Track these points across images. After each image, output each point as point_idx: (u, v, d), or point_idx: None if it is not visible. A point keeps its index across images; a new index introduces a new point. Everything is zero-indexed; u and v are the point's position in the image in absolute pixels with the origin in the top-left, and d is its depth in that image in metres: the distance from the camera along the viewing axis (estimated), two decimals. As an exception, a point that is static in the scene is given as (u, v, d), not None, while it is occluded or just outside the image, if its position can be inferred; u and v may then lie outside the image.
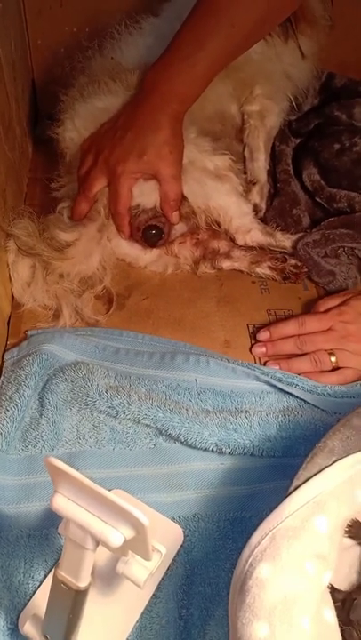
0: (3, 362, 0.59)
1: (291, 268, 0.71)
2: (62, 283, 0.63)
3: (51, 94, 0.76)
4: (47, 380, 0.56)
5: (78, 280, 0.64)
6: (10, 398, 0.53)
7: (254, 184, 0.78)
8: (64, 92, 0.75)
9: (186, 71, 0.62)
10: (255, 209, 0.76)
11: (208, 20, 0.60)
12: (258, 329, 0.64)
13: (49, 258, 0.62)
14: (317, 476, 0.39)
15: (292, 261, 0.71)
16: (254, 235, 0.72)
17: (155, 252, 0.71)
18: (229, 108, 0.79)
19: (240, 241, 0.73)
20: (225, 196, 0.70)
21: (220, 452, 0.53)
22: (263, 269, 0.71)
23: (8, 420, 0.52)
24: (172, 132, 0.63)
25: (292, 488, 0.38)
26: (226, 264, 0.72)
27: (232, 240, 0.73)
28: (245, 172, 0.77)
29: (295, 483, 0.39)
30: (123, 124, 0.64)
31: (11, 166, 0.69)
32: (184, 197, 0.68)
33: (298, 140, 0.83)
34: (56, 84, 0.76)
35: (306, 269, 0.71)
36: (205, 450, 0.53)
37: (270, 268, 0.71)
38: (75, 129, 0.70)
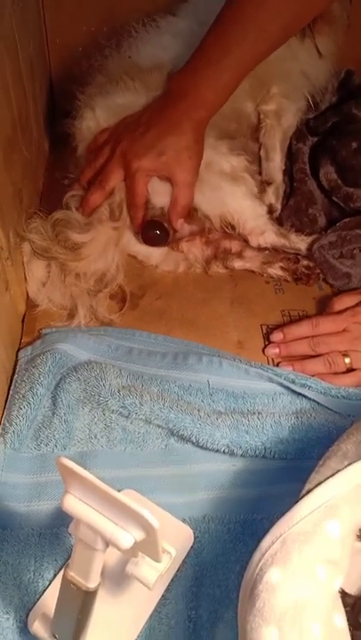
0: (17, 360, 0.59)
1: (303, 269, 0.70)
2: (79, 283, 0.63)
3: (68, 92, 0.77)
4: (60, 378, 0.56)
5: (94, 280, 0.64)
6: (23, 396, 0.53)
7: (270, 184, 0.77)
8: (81, 90, 0.75)
9: (213, 78, 0.62)
10: (270, 209, 0.75)
11: (234, 25, 0.60)
12: (271, 330, 0.64)
13: (65, 260, 0.62)
14: (330, 479, 0.38)
15: (305, 262, 0.70)
16: (268, 236, 0.72)
17: (163, 248, 0.71)
18: (245, 107, 0.79)
19: (253, 242, 0.72)
20: (240, 200, 0.70)
21: (232, 454, 0.52)
22: (275, 270, 0.71)
23: (21, 419, 0.52)
24: (195, 139, 0.63)
25: (304, 492, 0.38)
26: (238, 264, 0.72)
27: (245, 240, 0.73)
28: (261, 172, 0.77)
29: (307, 486, 0.38)
30: (145, 122, 0.64)
31: (27, 165, 0.69)
32: (195, 208, 0.68)
33: (315, 139, 0.82)
34: (73, 83, 0.77)
35: (318, 271, 0.70)
36: (217, 451, 0.52)
37: (282, 268, 0.70)
38: (94, 118, 0.70)
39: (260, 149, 0.79)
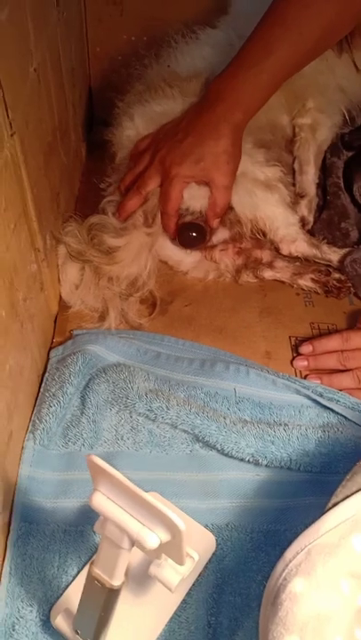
0: (48, 359, 0.60)
1: (334, 282, 0.70)
2: (111, 286, 0.64)
3: (106, 100, 0.78)
4: (89, 379, 0.57)
5: (126, 284, 0.65)
6: (53, 395, 0.54)
7: (303, 197, 0.77)
8: (120, 98, 0.77)
9: (251, 80, 0.62)
10: (302, 222, 0.75)
11: (276, 28, 0.61)
12: (300, 342, 0.64)
13: (99, 263, 0.63)
14: (357, 494, 0.38)
15: (336, 275, 0.70)
16: (300, 245, 0.72)
17: (195, 256, 0.71)
18: (280, 119, 0.79)
19: (285, 250, 0.72)
20: (273, 207, 0.70)
21: (257, 464, 0.53)
22: (306, 281, 0.71)
23: (50, 416, 0.53)
24: (233, 142, 0.63)
25: (330, 504, 0.38)
26: (268, 274, 0.72)
27: (276, 250, 0.73)
28: (294, 185, 0.77)
29: (334, 499, 0.38)
30: (184, 128, 0.65)
31: (65, 170, 0.71)
32: (230, 207, 0.68)
33: (350, 154, 0.82)
34: (112, 91, 0.78)
35: (349, 284, 0.70)
36: (241, 460, 0.53)
37: (313, 280, 0.70)
38: (133, 127, 0.71)
39: (293, 162, 0.80)
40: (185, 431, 0.54)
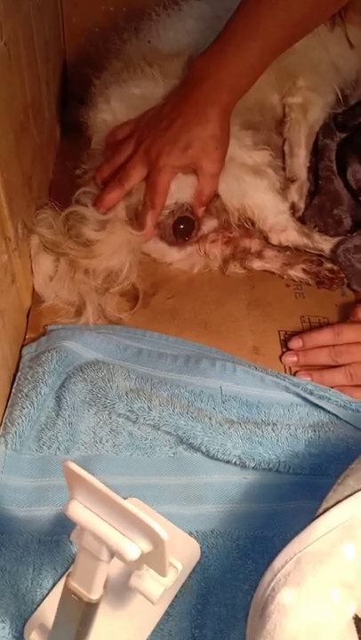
0: (20, 357, 0.60)
1: (326, 273, 0.70)
2: (87, 280, 0.63)
3: (82, 77, 0.77)
4: (65, 378, 0.56)
5: (103, 277, 0.64)
6: (26, 395, 0.54)
7: (293, 181, 0.77)
8: (96, 75, 0.75)
9: (238, 59, 0.62)
10: (293, 208, 0.75)
11: (262, 5, 0.60)
12: (290, 336, 0.64)
13: (76, 256, 0.62)
14: (349, 499, 0.38)
15: (328, 265, 0.70)
16: (290, 234, 0.72)
17: (185, 250, 0.71)
18: (270, 99, 0.79)
19: (274, 240, 0.72)
20: (262, 194, 0.70)
21: (244, 466, 0.53)
22: (296, 272, 0.71)
23: (23, 419, 0.52)
24: (220, 126, 0.63)
25: (321, 510, 0.38)
26: (257, 264, 0.72)
27: (265, 239, 0.73)
28: (285, 169, 0.77)
29: (324, 505, 0.38)
30: (168, 114, 0.64)
31: (38, 152, 0.70)
32: (217, 195, 0.68)
33: (343, 135, 0.82)
34: (88, 67, 0.77)
35: (342, 275, 0.70)
36: (228, 462, 0.53)
37: (304, 270, 0.70)
38: (110, 110, 0.70)
39: (283, 144, 0.79)
40: (168, 433, 0.54)
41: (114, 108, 0.70)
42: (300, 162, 0.78)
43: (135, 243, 0.67)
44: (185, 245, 0.70)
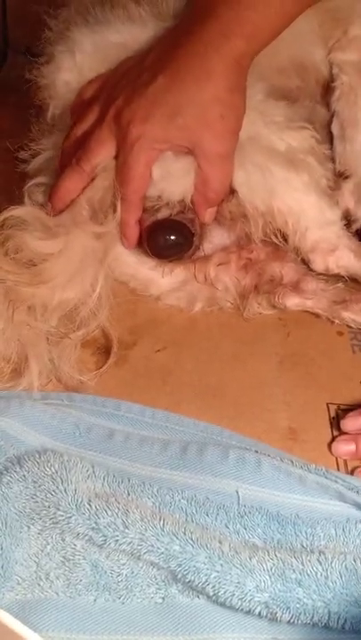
0: None
1: None
2: (32, 321, 0.63)
3: (29, 18, 0.79)
4: (-6, 476, 0.56)
5: (57, 316, 0.65)
6: None
7: (346, 178, 0.79)
8: (53, 13, 0.78)
9: None
10: (346, 216, 0.77)
11: None
12: (345, 412, 0.64)
13: (15, 282, 0.63)
14: None
15: None
16: (343, 257, 0.74)
17: (176, 273, 0.72)
18: (312, 55, 0.81)
19: (319, 265, 0.74)
20: (299, 193, 0.72)
21: (274, 619, 0.52)
22: (354, 314, 0.72)
23: None
24: (229, 86, 0.64)
25: None
26: (293, 301, 0.73)
27: (305, 263, 0.75)
28: (334, 160, 0.79)
29: None
30: (151, 64, 0.66)
31: None
32: (232, 191, 0.69)
33: None
34: (40, 4, 0.79)
35: None
36: (249, 612, 0.52)
37: (365, 312, 0.72)
38: (74, 68, 0.73)
39: (332, 122, 0.81)
40: (154, 564, 0.53)
41: (81, 62, 0.72)
42: (356, 149, 0.80)
43: (106, 258, 0.67)
44: (171, 264, 0.71)
